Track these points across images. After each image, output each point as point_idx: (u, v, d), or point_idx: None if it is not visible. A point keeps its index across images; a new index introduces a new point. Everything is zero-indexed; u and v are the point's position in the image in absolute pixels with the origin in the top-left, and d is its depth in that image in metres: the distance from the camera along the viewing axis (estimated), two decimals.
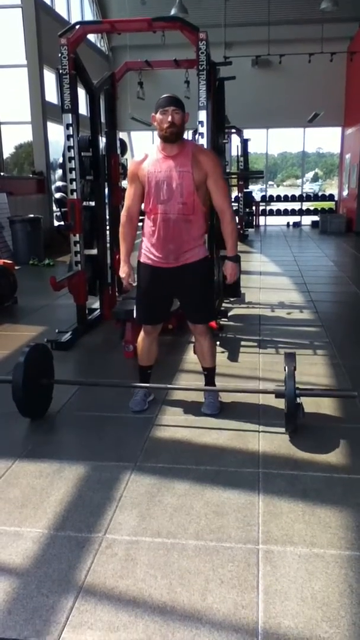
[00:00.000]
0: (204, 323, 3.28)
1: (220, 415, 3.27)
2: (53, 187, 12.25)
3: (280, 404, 3.00)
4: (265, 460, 2.76)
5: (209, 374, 3.43)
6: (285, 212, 17.90)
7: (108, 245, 5.78)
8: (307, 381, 3.67)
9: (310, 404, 3.20)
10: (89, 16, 15.32)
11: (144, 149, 3.09)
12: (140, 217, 3.24)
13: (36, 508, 2.38)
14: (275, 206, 18.35)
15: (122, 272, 3.18)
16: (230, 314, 5.69)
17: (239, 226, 13.26)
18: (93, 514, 2.33)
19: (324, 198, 18.45)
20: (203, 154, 3.02)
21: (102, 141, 5.68)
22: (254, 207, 16.09)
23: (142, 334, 3.36)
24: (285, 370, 2.93)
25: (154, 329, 3.32)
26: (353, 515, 2.31)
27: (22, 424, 3.17)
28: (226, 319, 5.45)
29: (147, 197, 3.01)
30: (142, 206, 3.14)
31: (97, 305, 5.68)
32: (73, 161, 4.79)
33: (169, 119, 2.86)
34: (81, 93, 5.19)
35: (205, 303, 3.25)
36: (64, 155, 4.89)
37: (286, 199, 18.28)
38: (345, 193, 16.58)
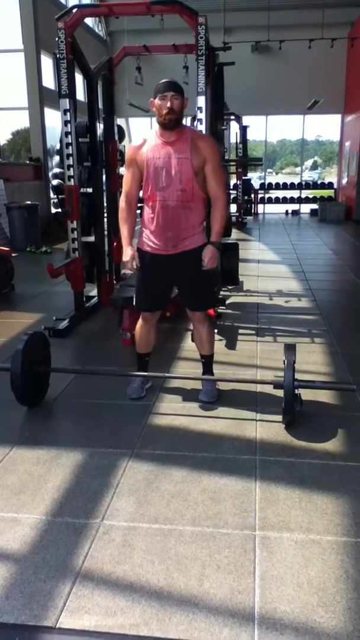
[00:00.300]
0: (202, 310, 3.27)
1: (217, 402, 3.28)
2: (50, 173, 12.18)
3: (278, 392, 3.00)
4: (263, 448, 2.77)
5: (207, 361, 3.43)
6: (284, 200, 17.82)
7: (106, 232, 5.75)
8: (305, 369, 3.67)
9: (307, 393, 3.20)
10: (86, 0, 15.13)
11: (142, 135, 3.06)
12: (139, 205, 3.22)
13: (34, 494, 2.38)
14: (274, 194, 18.27)
15: (126, 255, 3.09)
16: (228, 301, 5.68)
17: (237, 213, 13.25)
18: (90, 500, 2.33)
19: (323, 186, 18.37)
20: (202, 140, 2.99)
21: (100, 127, 5.64)
22: (252, 195, 16.01)
23: (140, 321, 3.35)
24: (284, 362, 2.93)
25: (153, 316, 3.31)
26: (349, 502, 2.32)
27: (20, 411, 3.17)
28: (224, 307, 5.45)
29: (145, 183, 2.98)
30: (141, 193, 3.11)
31: (94, 292, 5.67)
32: (70, 147, 4.76)
33: (168, 104, 2.82)
34: (79, 78, 5.14)
35: (204, 290, 3.23)
36: (61, 142, 4.85)
37: (285, 186, 18.18)
38: (344, 181, 16.51)
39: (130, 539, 2.09)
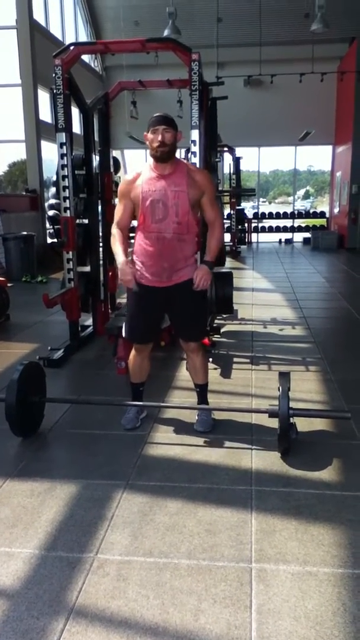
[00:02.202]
0: (196, 340, 3.28)
1: (212, 432, 3.27)
2: (46, 204, 12.30)
3: (273, 421, 3.00)
4: (258, 478, 2.75)
5: (201, 390, 3.43)
6: (277, 229, 18.04)
7: (101, 262, 5.79)
8: (299, 398, 3.67)
9: (302, 421, 3.20)
10: (83, 37, 15.54)
11: (135, 168, 3.11)
12: (130, 234, 3.24)
13: (27, 528, 2.35)
14: (267, 223, 18.49)
15: (124, 273, 2.97)
16: (222, 330, 5.70)
17: (231, 243, 13.38)
18: (85, 533, 2.31)
19: (315, 215, 18.63)
20: (198, 174, 3.04)
21: (96, 159, 5.73)
22: (246, 224, 16.21)
23: (133, 351, 3.35)
24: (279, 389, 2.93)
25: (146, 347, 3.32)
26: (346, 532, 2.30)
27: (14, 442, 3.14)
28: (219, 336, 5.47)
29: (140, 216, 3.00)
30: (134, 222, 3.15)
31: (89, 321, 5.68)
32: (66, 179, 4.83)
33: (159, 138, 2.87)
34: (75, 112, 5.25)
35: (197, 321, 3.25)
36: (57, 173, 4.92)
37: (278, 216, 18.44)
38: (336, 210, 16.74)
39: (124, 573, 2.07)
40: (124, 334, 3.34)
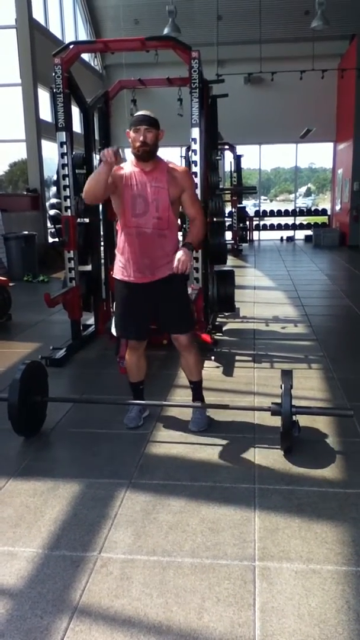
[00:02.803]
0: (183, 333, 3.24)
1: (215, 430, 3.26)
2: (47, 204, 12.34)
3: (276, 419, 2.99)
4: (261, 476, 2.75)
5: (196, 387, 3.42)
6: (279, 227, 18.02)
7: (102, 261, 5.79)
8: (302, 395, 3.67)
9: (305, 419, 3.20)
10: (82, 36, 15.53)
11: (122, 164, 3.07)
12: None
13: (30, 527, 2.36)
14: (268, 221, 18.47)
15: (105, 154, 2.78)
16: (224, 328, 5.70)
17: (232, 241, 13.37)
18: (88, 532, 2.31)
19: (317, 212, 18.60)
20: (178, 171, 3.06)
21: (96, 158, 5.73)
22: (247, 222, 16.20)
23: (128, 350, 3.35)
24: (281, 387, 2.93)
25: (139, 344, 3.31)
26: (349, 530, 2.30)
27: (16, 442, 3.15)
28: (221, 334, 5.46)
29: (121, 209, 3.02)
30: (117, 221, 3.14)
31: (91, 321, 5.68)
32: (67, 178, 4.83)
33: (141, 138, 2.89)
34: (75, 111, 5.24)
35: (182, 313, 3.24)
36: (58, 173, 4.92)
37: (279, 213, 18.41)
38: (338, 207, 16.72)
39: (128, 571, 2.07)
40: (114, 332, 3.34)
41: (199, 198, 3.25)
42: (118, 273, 3.15)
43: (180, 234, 3.30)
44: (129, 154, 3.06)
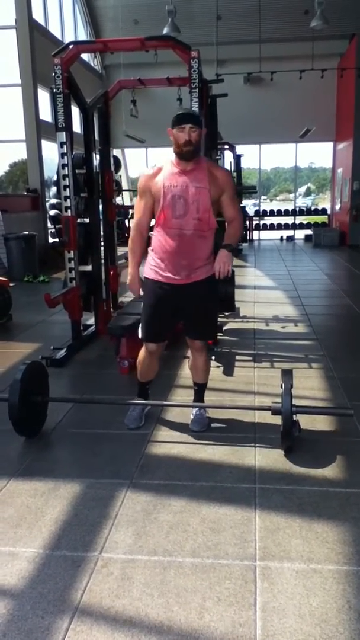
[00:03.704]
0: (204, 340, 3.27)
1: (215, 430, 3.26)
2: (47, 204, 12.34)
3: (277, 419, 2.99)
4: (262, 475, 2.75)
5: (200, 389, 3.42)
6: (279, 227, 18.03)
7: (102, 261, 5.80)
8: (302, 395, 3.67)
9: (305, 419, 3.20)
10: (82, 36, 15.53)
11: (157, 162, 3.07)
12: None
13: (31, 527, 2.36)
14: (268, 221, 18.49)
15: (133, 285, 3.13)
16: (225, 328, 5.70)
17: None
18: (89, 532, 2.31)
19: (316, 212, 18.60)
20: (219, 171, 3.02)
21: (96, 158, 5.73)
22: (247, 222, 16.20)
23: (144, 351, 3.30)
24: (282, 387, 2.93)
25: (158, 347, 3.26)
26: (350, 529, 2.30)
27: (17, 442, 3.15)
28: (221, 333, 5.46)
29: (160, 211, 2.95)
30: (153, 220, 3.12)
31: (92, 321, 5.68)
32: (67, 178, 4.82)
33: (187, 137, 2.83)
34: (75, 111, 5.24)
35: (208, 320, 3.25)
36: (58, 173, 4.92)
37: (279, 213, 18.42)
38: (337, 207, 16.71)
39: (129, 571, 2.07)
40: (140, 335, 3.28)
41: (237, 200, 3.18)
42: (150, 273, 3.10)
43: None
44: (164, 155, 2.98)
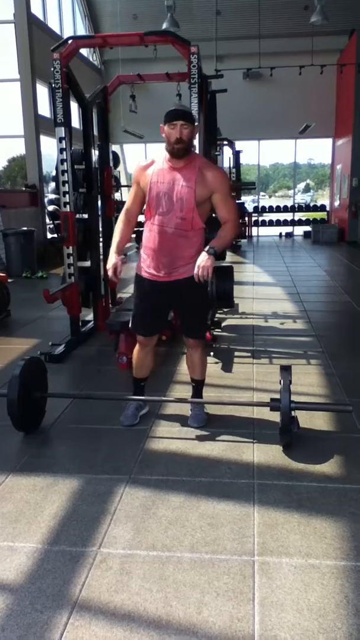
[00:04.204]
0: (195, 338, 3.27)
1: (214, 426, 3.27)
2: (46, 199, 12.31)
3: (275, 415, 3.00)
4: (260, 471, 2.76)
5: (198, 386, 3.43)
6: (278, 223, 18.01)
7: (101, 257, 5.79)
8: (301, 391, 3.68)
9: (304, 415, 3.21)
10: (81, 31, 15.46)
11: (153, 154, 3.05)
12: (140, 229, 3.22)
13: (30, 522, 2.36)
14: (267, 217, 18.46)
15: (109, 261, 3.03)
16: (223, 324, 5.70)
17: None
18: (87, 527, 2.31)
19: (315, 208, 18.59)
20: (210, 171, 2.94)
21: (95, 154, 5.71)
22: (246, 218, 16.19)
23: (137, 345, 3.34)
24: (280, 383, 2.93)
25: (149, 340, 3.30)
26: (348, 525, 2.31)
27: (15, 438, 3.15)
28: (220, 330, 5.46)
29: (147, 206, 2.97)
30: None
31: (90, 317, 5.68)
32: (66, 174, 4.81)
33: (178, 135, 2.79)
34: (74, 106, 5.23)
35: (196, 319, 3.23)
36: (57, 169, 4.91)
37: (278, 209, 18.40)
38: (336, 203, 16.70)
39: (127, 566, 2.07)
40: (130, 325, 3.32)
41: (234, 200, 3.10)
42: (138, 268, 3.13)
43: None
44: (161, 149, 2.94)
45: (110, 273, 3.04)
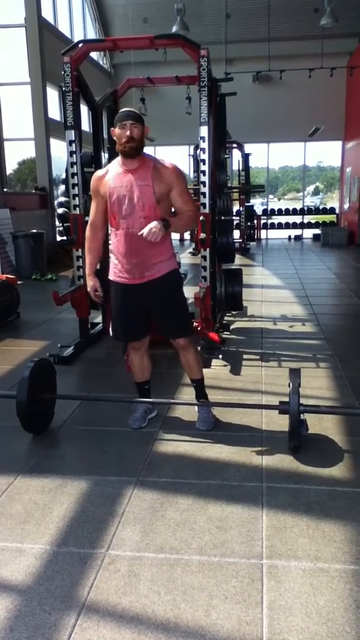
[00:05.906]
0: (182, 336, 3.22)
1: (222, 429, 3.26)
2: (56, 202, 12.37)
3: (284, 418, 2.99)
4: (269, 474, 2.75)
5: (198, 385, 3.41)
6: (287, 226, 17.98)
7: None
8: (309, 394, 3.66)
9: (313, 418, 3.19)
10: (91, 34, 15.55)
11: (107, 165, 3.10)
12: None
13: (38, 524, 2.37)
14: (276, 220, 18.44)
15: (88, 286, 3.21)
16: (232, 327, 5.70)
17: (240, 239, 13.35)
18: (96, 529, 2.31)
19: (325, 211, 18.54)
20: (164, 167, 2.97)
21: (105, 157, 5.73)
22: (255, 221, 16.18)
23: (130, 350, 3.34)
24: (289, 386, 2.92)
25: (141, 343, 3.28)
26: (357, 528, 2.29)
27: (25, 439, 3.16)
28: (228, 332, 5.46)
29: (110, 212, 2.99)
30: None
31: (99, 319, 5.69)
32: (76, 177, 4.83)
33: (127, 133, 2.85)
34: (84, 109, 5.25)
35: (177, 316, 3.20)
36: (66, 171, 4.93)
37: (287, 212, 18.37)
38: (346, 206, 16.65)
39: (136, 569, 2.07)
40: (111, 334, 3.34)
41: (190, 194, 3.16)
42: (111, 274, 3.14)
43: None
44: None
45: (92, 296, 3.21)
